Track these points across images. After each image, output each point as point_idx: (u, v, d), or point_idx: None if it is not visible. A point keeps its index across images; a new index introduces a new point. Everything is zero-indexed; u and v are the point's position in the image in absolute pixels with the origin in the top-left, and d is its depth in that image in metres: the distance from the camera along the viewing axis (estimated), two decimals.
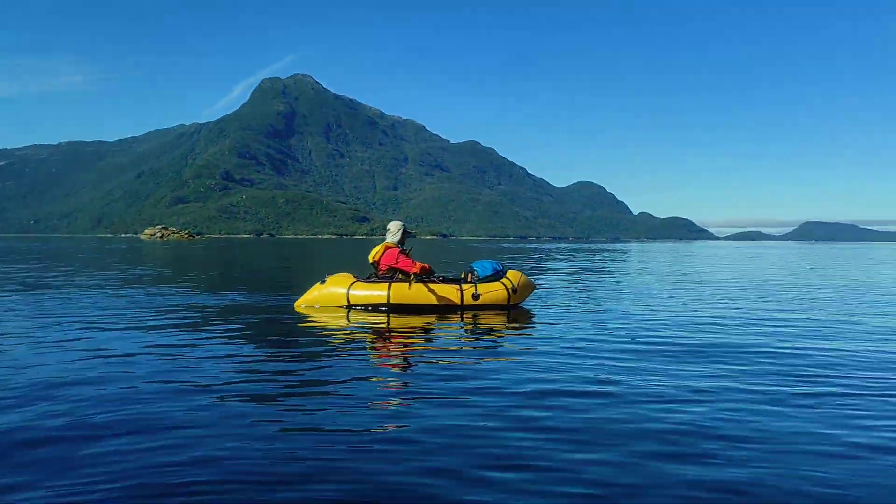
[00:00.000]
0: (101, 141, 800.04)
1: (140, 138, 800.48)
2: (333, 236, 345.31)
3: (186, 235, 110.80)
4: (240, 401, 4.22)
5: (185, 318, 8.09)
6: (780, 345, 6.53)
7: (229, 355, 5.67)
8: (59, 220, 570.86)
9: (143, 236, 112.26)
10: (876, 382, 4.94)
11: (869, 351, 6.30)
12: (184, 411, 3.94)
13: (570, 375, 5.01)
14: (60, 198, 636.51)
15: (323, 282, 9.08)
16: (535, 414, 3.98)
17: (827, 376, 5.11)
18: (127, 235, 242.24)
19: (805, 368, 5.39)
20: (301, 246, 67.07)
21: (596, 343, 6.50)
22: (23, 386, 4.50)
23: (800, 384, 4.82)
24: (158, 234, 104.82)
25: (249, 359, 5.57)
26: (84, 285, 12.74)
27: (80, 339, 6.43)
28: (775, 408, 4.17)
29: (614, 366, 5.40)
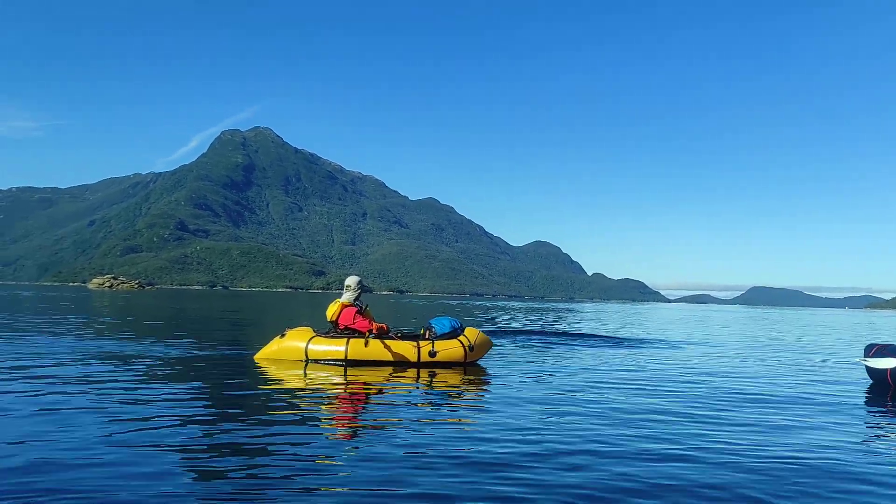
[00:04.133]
0: (53, 187, 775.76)
1: (94, 186, 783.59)
2: (288, 289, 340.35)
3: (137, 285, 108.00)
4: (200, 453, 4.23)
5: (139, 369, 7.91)
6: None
7: (188, 410, 5.62)
8: (3, 266, 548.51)
9: (90, 285, 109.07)
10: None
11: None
12: (141, 469, 3.91)
13: (523, 436, 5.14)
14: (6, 245, 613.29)
15: (283, 335, 9.11)
16: (482, 476, 4.06)
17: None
18: (74, 284, 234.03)
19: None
20: (255, 298, 65.95)
21: (552, 403, 6.66)
22: None
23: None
24: (107, 284, 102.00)
25: (209, 413, 5.54)
26: (28, 330, 12.29)
27: (23, 392, 6.22)
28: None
29: (566, 425, 5.56)
